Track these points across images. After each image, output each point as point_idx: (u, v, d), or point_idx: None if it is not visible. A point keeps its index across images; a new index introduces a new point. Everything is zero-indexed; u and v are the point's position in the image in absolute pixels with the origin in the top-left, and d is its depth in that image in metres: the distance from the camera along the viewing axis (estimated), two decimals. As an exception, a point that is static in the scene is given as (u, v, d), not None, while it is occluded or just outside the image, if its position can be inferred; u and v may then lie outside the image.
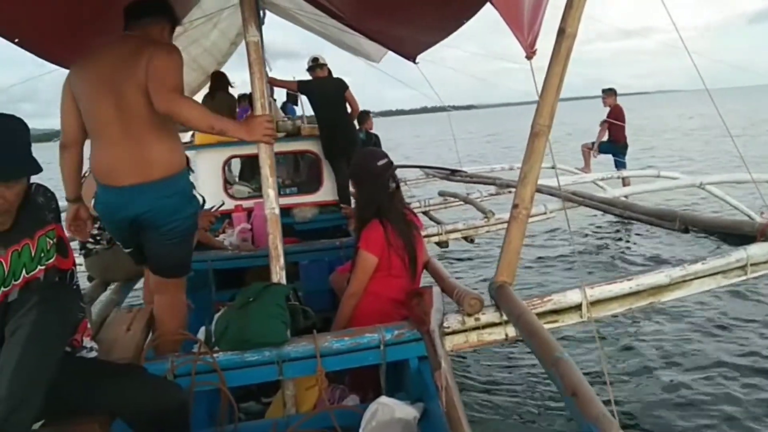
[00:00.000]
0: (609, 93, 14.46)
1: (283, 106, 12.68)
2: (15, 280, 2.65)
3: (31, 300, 2.42)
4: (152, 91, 3.35)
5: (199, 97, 10.11)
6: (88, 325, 3.16)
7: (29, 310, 2.38)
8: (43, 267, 2.79)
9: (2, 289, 2.60)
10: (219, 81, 10.08)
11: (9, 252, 2.63)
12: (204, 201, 4.16)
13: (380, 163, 4.32)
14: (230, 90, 10.26)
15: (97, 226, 4.81)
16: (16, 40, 3.13)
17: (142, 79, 3.39)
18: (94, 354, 3.08)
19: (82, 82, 3.58)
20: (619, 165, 14.13)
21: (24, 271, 2.70)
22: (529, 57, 3.10)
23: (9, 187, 2.50)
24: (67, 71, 3.77)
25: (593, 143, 14.51)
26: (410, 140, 57.60)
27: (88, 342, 3.09)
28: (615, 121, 14.10)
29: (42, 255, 2.79)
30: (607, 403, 2.26)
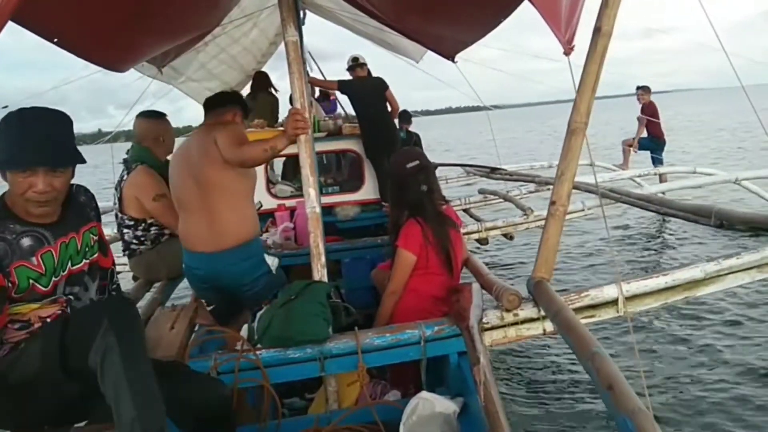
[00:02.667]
0: (644, 90, 14.42)
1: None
2: (63, 272, 2.77)
3: (102, 323, 2.46)
4: (224, 153, 3.97)
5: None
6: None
7: (106, 334, 2.42)
8: (87, 261, 2.91)
9: (53, 278, 2.71)
10: (261, 81, 10.08)
11: (58, 243, 2.74)
12: (279, 264, 4.46)
13: (410, 165, 4.35)
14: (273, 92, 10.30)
15: (141, 227, 4.92)
16: (55, 40, 3.18)
17: (213, 155, 4.01)
18: None
19: (173, 167, 4.32)
20: (656, 161, 14.11)
21: (70, 263, 2.81)
22: (567, 53, 3.09)
23: (57, 176, 2.62)
24: (106, 71, 4.08)
25: (634, 139, 14.46)
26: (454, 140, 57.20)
27: None
28: (651, 118, 14.07)
29: (87, 249, 2.91)
30: (641, 396, 2.29)
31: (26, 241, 2.63)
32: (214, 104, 4.41)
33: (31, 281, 2.64)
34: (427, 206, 4.29)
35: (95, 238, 2.99)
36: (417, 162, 4.37)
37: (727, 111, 53.25)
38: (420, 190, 4.29)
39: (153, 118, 5.05)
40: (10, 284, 2.58)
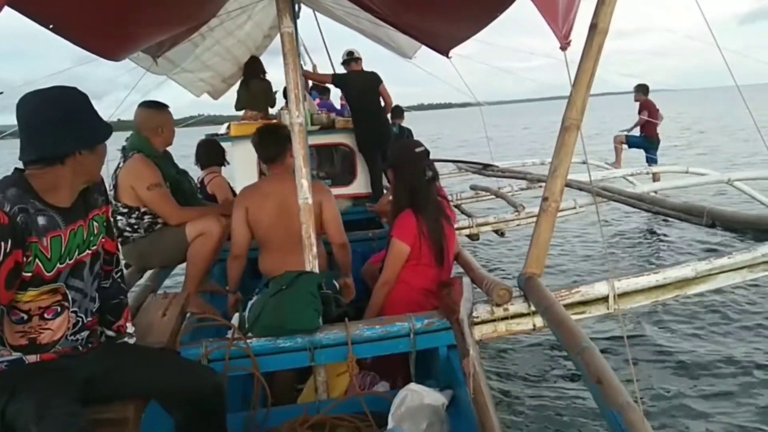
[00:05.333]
0: (640, 89, 14.49)
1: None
2: (69, 260, 2.66)
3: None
4: (331, 231, 4.66)
5: (232, 92, 10.19)
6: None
7: None
8: (90, 251, 2.79)
9: (57, 265, 2.60)
10: (253, 67, 9.85)
11: (68, 230, 2.63)
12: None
13: (418, 150, 4.40)
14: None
15: (135, 215, 4.90)
16: (51, 26, 3.16)
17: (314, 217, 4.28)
18: (133, 340, 3.17)
19: (260, 212, 4.57)
20: (650, 160, 14.17)
21: (77, 252, 2.70)
22: (564, 48, 3.09)
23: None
24: (84, 65, 4.12)
25: (626, 135, 14.56)
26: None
27: (130, 328, 3.17)
28: (648, 118, 14.15)
29: (91, 238, 2.80)
30: (631, 391, 2.30)
31: (41, 220, 2.52)
32: (280, 150, 4.66)
33: (37, 261, 2.53)
34: (428, 194, 4.33)
35: (98, 224, 2.87)
36: (423, 148, 4.44)
37: (718, 111, 53.36)
38: (426, 176, 4.33)
39: (154, 108, 4.99)
40: (25, 258, 2.47)
